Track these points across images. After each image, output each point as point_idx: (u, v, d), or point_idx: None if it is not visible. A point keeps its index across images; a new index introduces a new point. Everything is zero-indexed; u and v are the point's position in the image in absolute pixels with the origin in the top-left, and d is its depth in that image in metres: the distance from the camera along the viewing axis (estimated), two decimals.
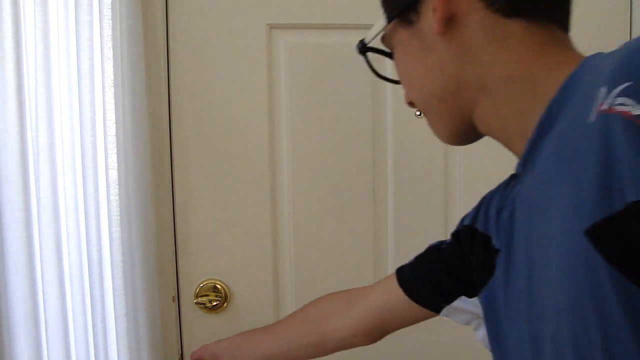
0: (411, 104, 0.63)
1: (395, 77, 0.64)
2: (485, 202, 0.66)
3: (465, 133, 0.59)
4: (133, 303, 0.93)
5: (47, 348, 0.81)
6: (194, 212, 1.12)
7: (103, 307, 0.88)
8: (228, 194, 1.12)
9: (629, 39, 1.19)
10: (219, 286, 1.13)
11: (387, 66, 0.67)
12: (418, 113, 1.17)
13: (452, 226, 1.17)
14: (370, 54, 0.65)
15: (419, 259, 0.79)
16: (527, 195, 0.49)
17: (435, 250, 0.77)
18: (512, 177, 0.62)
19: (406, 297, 0.77)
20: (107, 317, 0.88)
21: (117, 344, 0.90)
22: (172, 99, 1.09)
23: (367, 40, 0.63)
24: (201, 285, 1.13)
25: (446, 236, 1.18)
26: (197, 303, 1.12)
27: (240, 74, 1.10)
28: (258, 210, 1.13)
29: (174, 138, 1.10)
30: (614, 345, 0.35)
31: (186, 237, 1.12)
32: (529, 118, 0.48)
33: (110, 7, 0.88)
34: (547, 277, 0.42)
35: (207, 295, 1.13)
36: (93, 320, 0.87)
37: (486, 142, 1.23)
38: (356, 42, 1.13)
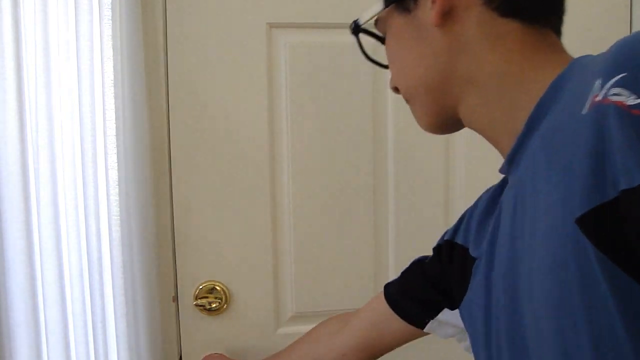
0: (396, 89, 0.64)
1: (384, 62, 0.66)
2: (467, 217, 0.70)
3: (446, 124, 0.61)
4: (133, 303, 0.94)
5: (47, 348, 0.82)
6: (193, 213, 1.13)
7: (103, 307, 0.90)
8: (228, 194, 1.14)
9: None
10: (218, 288, 1.15)
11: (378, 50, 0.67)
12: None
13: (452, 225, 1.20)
14: (362, 36, 0.67)
15: (404, 273, 0.83)
16: (512, 193, 0.51)
17: (418, 265, 0.80)
18: (500, 187, 0.64)
19: (393, 313, 0.79)
20: (107, 317, 0.90)
21: (117, 344, 0.92)
22: (170, 99, 1.11)
23: (361, 22, 0.65)
24: (200, 287, 1.15)
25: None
26: (196, 305, 1.14)
27: (239, 74, 1.12)
28: (258, 211, 1.15)
29: (172, 139, 1.12)
30: (603, 332, 0.36)
31: (185, 239, 1.14)
32: (517, 115, 0.49)
33: (110, 7, 0.90)
34: (533, 269, 0.43)
35: (206, 297, 1.15)
36: (93, 320, 0.89)
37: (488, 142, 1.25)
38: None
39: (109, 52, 0.91)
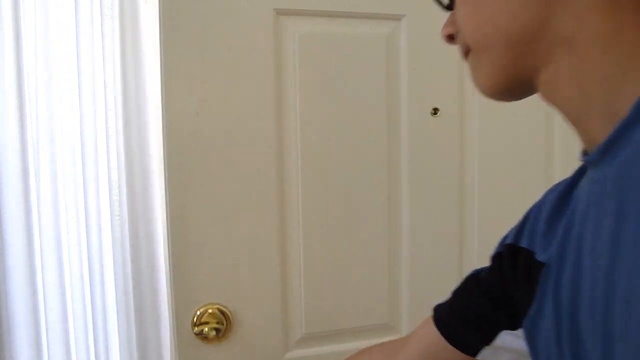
0: (450, 37, 0.55)
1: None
2: (532, 216, 0.63)
3: (514, 88, 0.52)
4: (135, 303, 0.97)
5: (48, 348, 0.85)
6: (190, 226, 1.01)
7: (104, 307, 0.92)
8: (229, 203, 1.03)
9: None
10: (220, 311, 1.03)
11: None
12: (433, 111, 1.14)
13: (468, 232, 1.16)
14: None
15: (457, 292, 0.75)
16: (599, 189, 0.45)
17: (473, 279, 0.73)
18: (574, 180, 0.57)
19: (445, 341, 0.71)
20: (108, 317, 0.93)
21: (119, 345, 0.94)
22: (165, 95, 0.98)
23: None
24: (199, 311, 1.02)
25: (462, 245, 1.16)
26: (196, 333, 1.01)
27: (243, 66, 1.02)
28: (264, 221, 1.05)
29: (166, 140, 0.98)
30: None
31: (182, 255, 1.01)
32: (620, 94, 0.43)
33: (110, 6, 0.88)
34: (637, 285, 0.37)
35: (207, 323, 1.02)
36: (94, 320, 0.91)
37: (502, 140, 1.22)
38: (375, 33, 1.07)
39: (109, 52, 0.89)
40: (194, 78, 0.99)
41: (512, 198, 1.20)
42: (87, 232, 0.90)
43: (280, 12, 1.02)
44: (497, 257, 0.69)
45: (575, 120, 0.49)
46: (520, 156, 1.19)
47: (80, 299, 0.90)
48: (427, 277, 1.16)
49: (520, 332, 0.62)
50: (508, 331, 0.68)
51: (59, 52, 0.84)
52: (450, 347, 0.70)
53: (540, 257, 0.56)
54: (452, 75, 1.13)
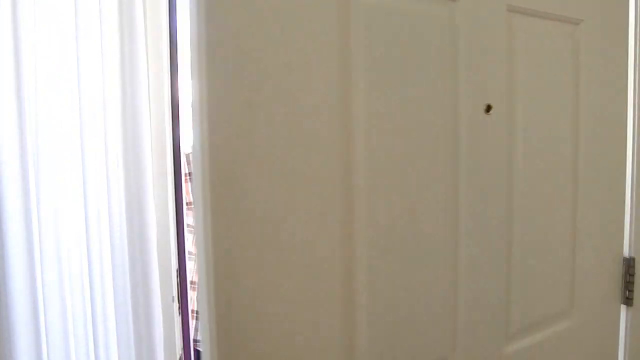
0: None
1: None
2: None
3: None
4: (133, 303, 0.94)
5: (47, 348, 0.84)
6: (240, 265, 0.74)
7: (104, 308, 0.89)
8: (289, 230, 0.78)
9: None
10: None
11: None
12: (486, 109, 1.01)
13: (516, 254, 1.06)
14: None
15: None
16: None
17: None
18: None
19: None
20: (108, 318, 0.90)
21: (118, 345, 0.91)
22: (207, 82, 0.70)
23: None
24: None
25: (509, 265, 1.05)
26: None
27: (299, 45, 0.78)
28: (324, 244, 0.82)
29: (209, 143, 0.71)
30: None
31: (230, 305, 0.74)
32: None
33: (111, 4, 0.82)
34: None
35: None
36: (93, 320, 0.89)
37: (538, 141, 1.12)
38: (435, 13, 0.92)
39: (109, 50, 0.83)
40: (243, 62, 0.73)
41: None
42: (86, 232, 0.87)
43: None
44: None
45: None
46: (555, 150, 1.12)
47: (80, 299, 0.88)
48: (479, 300, 1.02)
49: None
50: None
51: (59, 53, 0.82)
52: None
53: None
54: (502, 68, 1.02)
